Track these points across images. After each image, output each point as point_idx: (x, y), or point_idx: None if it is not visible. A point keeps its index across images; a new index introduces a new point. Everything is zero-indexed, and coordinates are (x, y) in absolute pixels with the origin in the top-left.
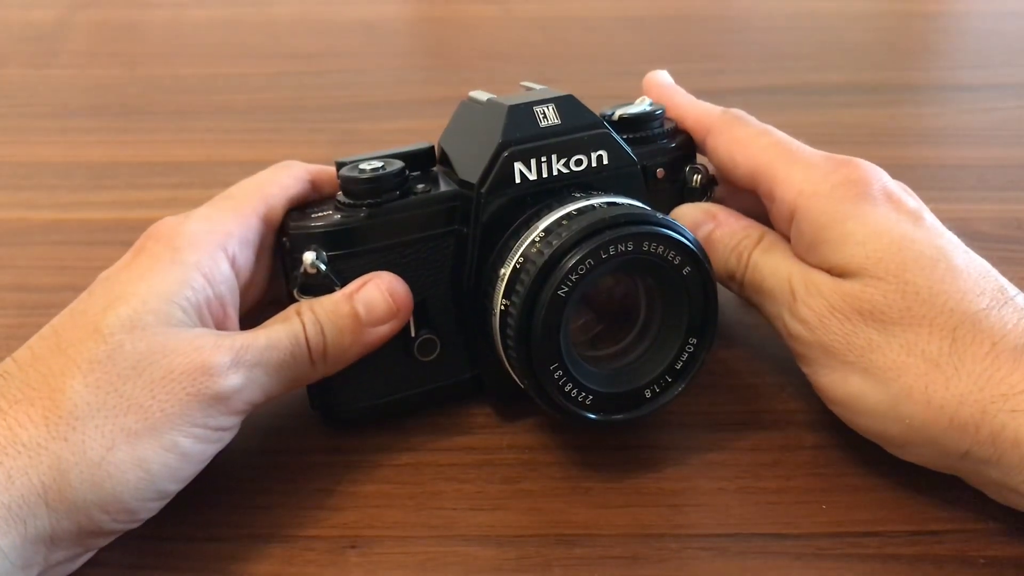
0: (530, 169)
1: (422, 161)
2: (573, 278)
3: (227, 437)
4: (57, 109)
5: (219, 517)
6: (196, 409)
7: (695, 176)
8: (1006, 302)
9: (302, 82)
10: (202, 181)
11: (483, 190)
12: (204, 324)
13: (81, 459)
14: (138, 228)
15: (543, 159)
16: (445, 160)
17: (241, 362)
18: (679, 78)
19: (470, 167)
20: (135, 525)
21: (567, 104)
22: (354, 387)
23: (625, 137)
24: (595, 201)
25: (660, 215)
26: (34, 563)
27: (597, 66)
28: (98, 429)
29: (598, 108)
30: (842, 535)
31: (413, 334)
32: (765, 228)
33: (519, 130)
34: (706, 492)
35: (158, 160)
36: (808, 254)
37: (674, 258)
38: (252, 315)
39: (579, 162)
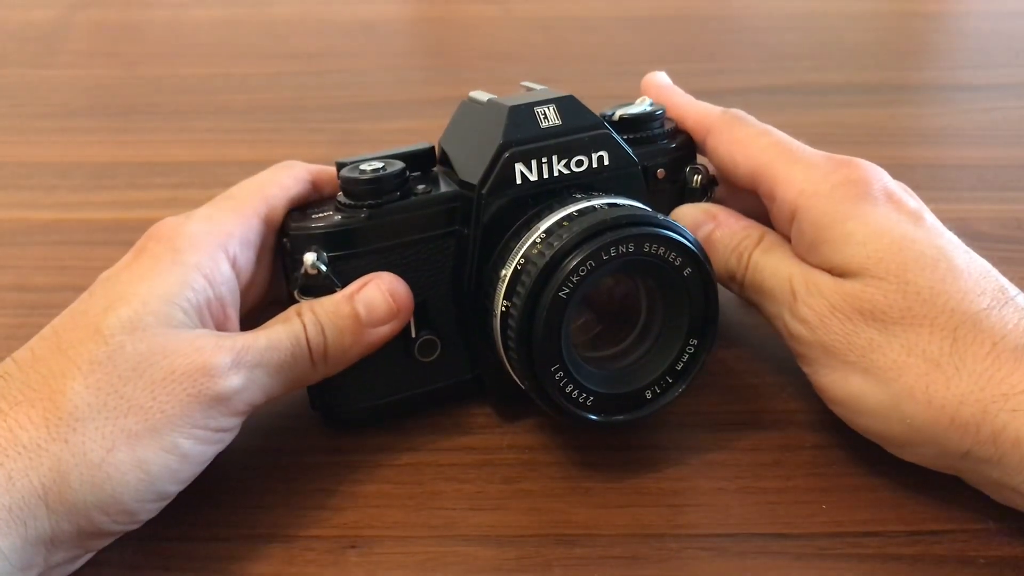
0: (531, 170)
1: (422, 161)
2: (574, 279)
3: (227, 438)
4: (57, 109)
5: (219, 517)
6: (197, 410)
7: (695, 176)
8: (1007, 302)
9: (302, 82)
10: (202, 181)
11: (484, 191)
12: (205, 325)
13: (81, 461)
14: (138, 228)
15: (544, 160)
16: (445, 160)
17: (242, 363)
18: (679, 78)
19: (471, 168)
20: (135, 527)
21: (568, 105)
22: (354, 388)
23: (626, 137)
24: (596, 202)
25: (661, 216)
26: (34, 564)
27: (597, 66)
28: (98, 431)
29: (598, 108)
30: (842, 535)
31: (413, 335)
32: (765, 228)
33: (520, 131)
34: (706, 492)
35: (158, 160)
36: (809, 254)
37: (675, 259)
38: (253, 316)
39: (580, 163)
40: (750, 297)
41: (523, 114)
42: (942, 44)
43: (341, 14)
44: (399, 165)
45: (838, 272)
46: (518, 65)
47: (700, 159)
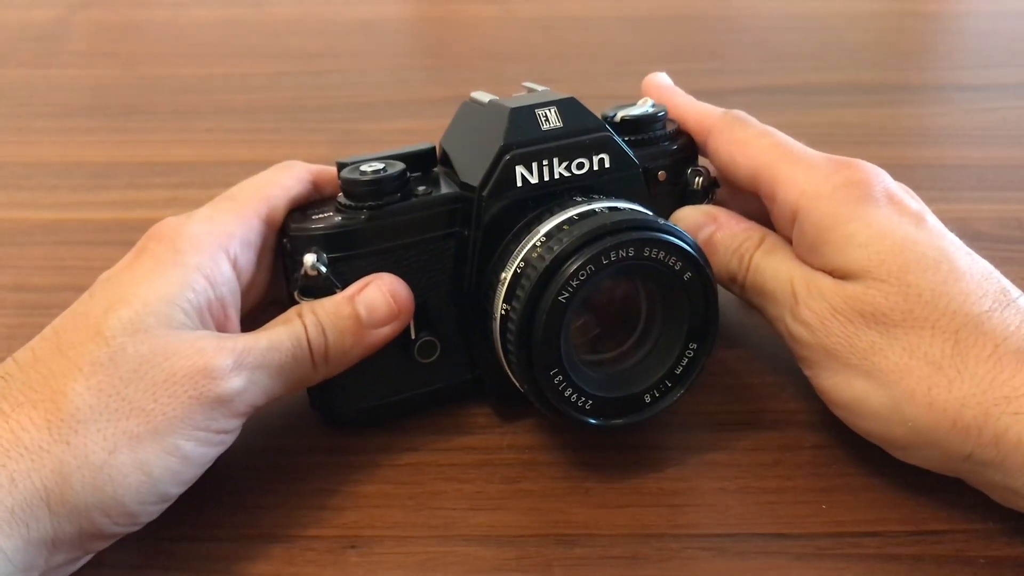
0: (531, 172)
1: (423, 162)
2: (574, 284)
3: (228, 440)
4: (57, 109)
5: (219, 517)
6: (198, 412)
7: (696, 178)
8: (1008, 304)
9: (302, 82)
10: (202, 181)
11: (484, 193)
12: (205, 326)
13: (83, 463)
14: (138, 228)
15: (545, 162)
16: (446, 161)
17: (243, 364)
18: (679, 78)
19: (471, 169)
20: (136, 528)
21: (569, 107)
22: (354, 388)
23: (627, 139)
24: (596, 206)
25: (661, 220)
26: (35, 566)
27: (597, 66)
28: (100, 432)
29: (599, 108)
30: (842, 535)
31: (413, 336)
32: (766, 230)
33: (521, 133)
34: (706, 492)
35: (158, 160)
36: (810, 256)
37: (675, 264)
38: (253, 315)
39: (581, 165)
40: (751, 299)
41: (524, 116)
42: (942, 44)
43: (341, 14)
44: (400, 166)
45: (840, 274)
46: (518, 65)
47: (701, 160)
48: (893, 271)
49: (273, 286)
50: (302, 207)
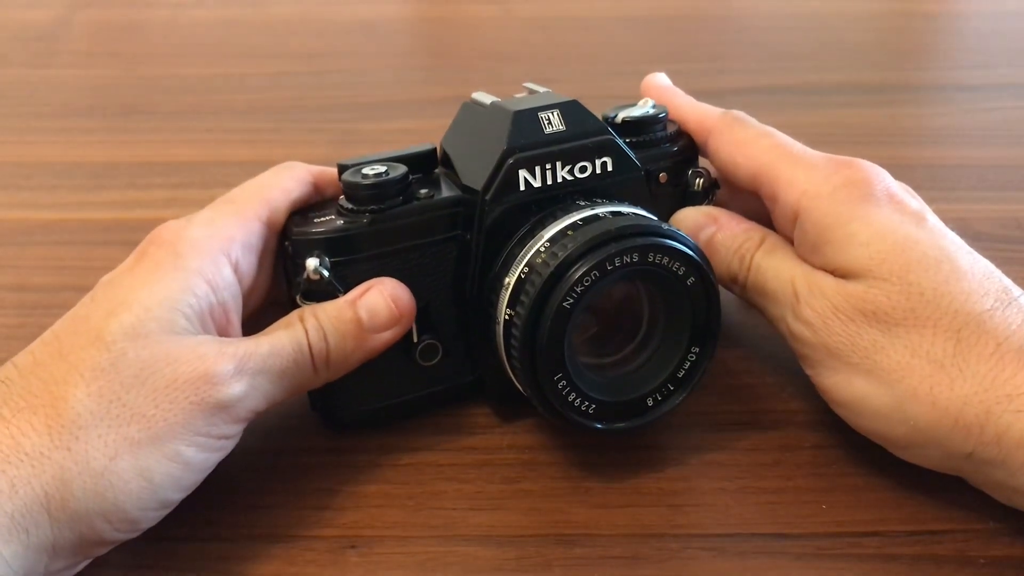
0: (534, 176)
1: (424, 163)
2: (578, 290)
3: (229, 445)
4: (57, 109)
5: (219, 517)
6: (199, 418)
7: (697, 179)
8: (1010, 303)
9: (302, 82)
10: (202, 181)
11: (487, 197)
12: (207, 331)
13: (84, 469)
14: (138, 228)
15: (548, 166)
16: (447, 162)
17: (244, 370)
18: (679, 78)
19: (474, 173)
20: (136, 535)
21: (572, 110)
22: (355, 391)
23: (628, 140)
24: (600, 210)
25: (665, 226)
26: (35, 571)
27: (597, 66)
28: (101, 439)
29: (599, 108)
30: (842, 535)
31: (415, 339)
32: (767, 230)
33: (524, 137)
34: (706, 492)
35: (158, 160)
36: (811, 255)
37: (678, 269)
38: (254, 318)
39: (583, 169)
40: (752, 299)
41: (527, 119)
42: (942, 44)
43: (341, 14)
44: (402, 169)
45: (841, 273)
46: (519, 65)
47: (701, 162)
48: (895, 270)
49: (274, 288)
50: (303, 209)
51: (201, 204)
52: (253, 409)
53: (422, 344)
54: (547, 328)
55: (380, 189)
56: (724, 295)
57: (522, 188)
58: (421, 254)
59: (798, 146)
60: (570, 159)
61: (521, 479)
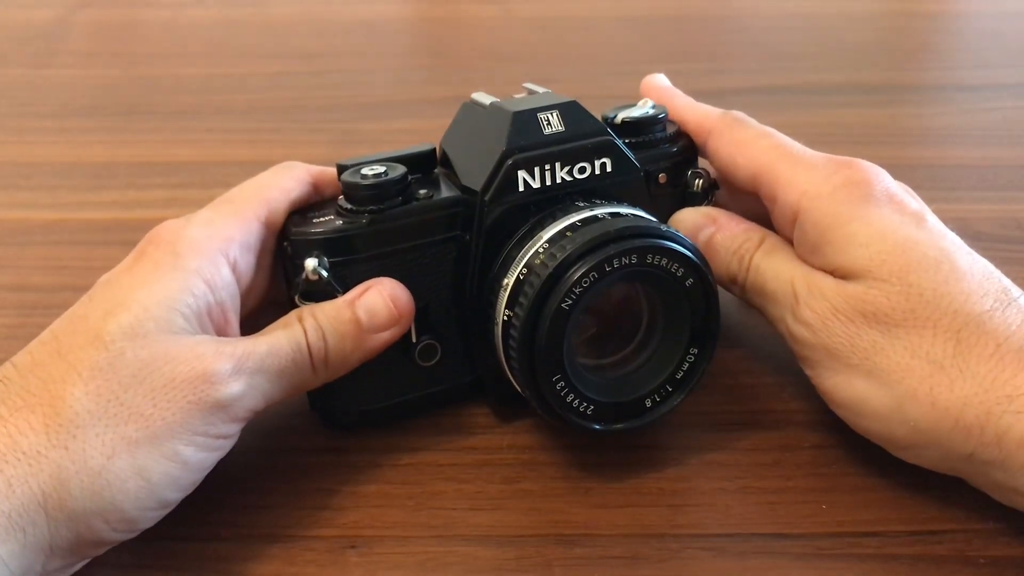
0: (533, 177)
1: (423, 163)
2: (577, 291)
3: (228, 445)
4: (57, 109)
5: (219, 517)
6: (197, 417)
7: (696, 180)
8: (1010, 303)
9: (302, 82)
10: (202, 181)
11: (486, 198)
12: (205, 331)
13: (81, 468)
14: (138, 228)
15: (547, 167)
16: (446, 162)
17: (242, 369)
18: (679, 78)
19: (473, 173)
20: (133, 535)
21: (571, 110)
22: (354, 391)
23: (627, 141)
24: (598, 211)
25: (664, 227)
26: (32, 571)
27: (597, 66)
28: (99, 438)
29: (599, 108)
30: (842, 535)
31: (414, 339)
32: (766, 231)
33: (523, 137)
34: (706, 492)
35: (158, 160)
36: (811, 256)
37: (677, 270)
38: (252, 317)
39: (582, 170)
40: (751, 300)
41: (526, 120)
42: (942, 44)
43: (341, 14)
44: (401, 169)
45: (841, 274)
46: (519, 65)
47: (701, 162)
48: (895, 271)
49: (272, 288)
50: (302, 209)
51: (201, 204)
52: (251, 409)
53: (421, 344)
54: (546, 329)
55: (379, 190)
56: (723, 296)
57: (521, 189)
58: (420, 254)
59: (798, 146)
60: (569, 160)
61: (521, 479)
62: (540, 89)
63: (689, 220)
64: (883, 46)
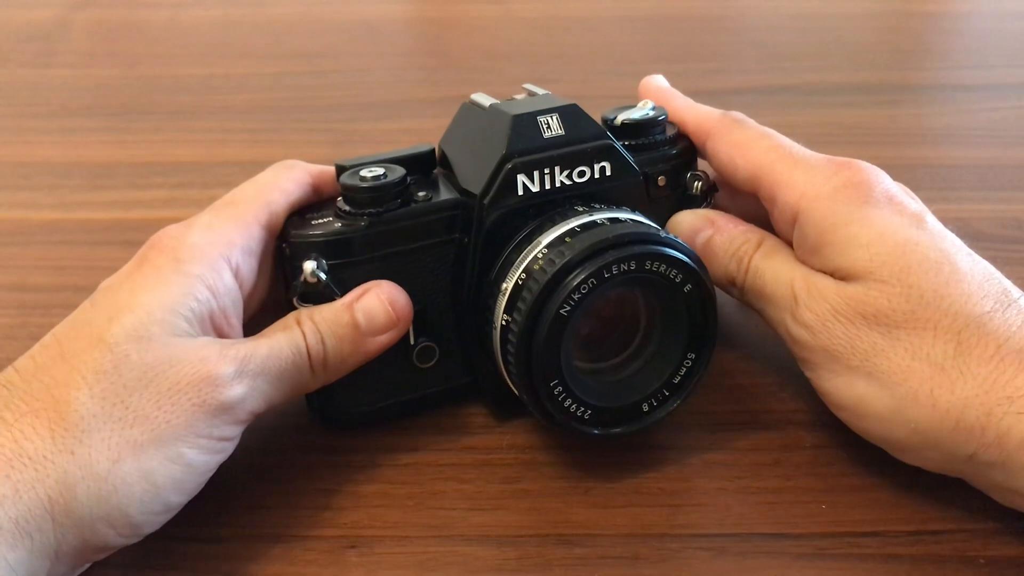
0: (533, 181)
1: (422, 164)
2: (576, 297)
3: (230, 448)
4: (57, 109)
5: (219, 517)
6: (201, 420)
7: (696, 183)
8: (1010, 304)
9: (302, 82)
10: (202, 181)
11: (485, 201)
12: (207, 335)
13: (87, 473)
14: (138, 228)
15: (546, 171)
16: (445, 163)
17: (245, 372)
18: (678, 78)
19: (472, 176)
20: (137, 540)
21: (571, 114)
22: (351, 392)
23: (627, 143)
24: (598, 217)
25: (663, 233)
26: None
27: (597, 66)
28: (104, 442)
29: (598, 108)
30: (842, 535)
31: (412, 342)
32: (765, 233)
33: (523, 141)
34: (706, 492)
35: (158, 160)
36: (811, 257)
37: (676, 276)
38: (254, 320)
39: (582, 173)
40: (750, 302)
41: (526, 123)
42: (942, 44)
43: (341, 14)
44: (400, 171)
45: (841, 275)
46: (518, 65)
47: (700, 164)
48: (895, 272)
49: (273, 290)
50: (301, 211)
51: (201, 204)
52: (253, 411)
53: (419, 346)
54: (544, 335)
55: (378, 192)
56: (722, 296)
57: (520, 193)
58: (418, 256)
59: (797, 147)
60: (569, 164)
61: (521, 479)
62: (540, 91)
63: (687, 222)
64: (883, 46)
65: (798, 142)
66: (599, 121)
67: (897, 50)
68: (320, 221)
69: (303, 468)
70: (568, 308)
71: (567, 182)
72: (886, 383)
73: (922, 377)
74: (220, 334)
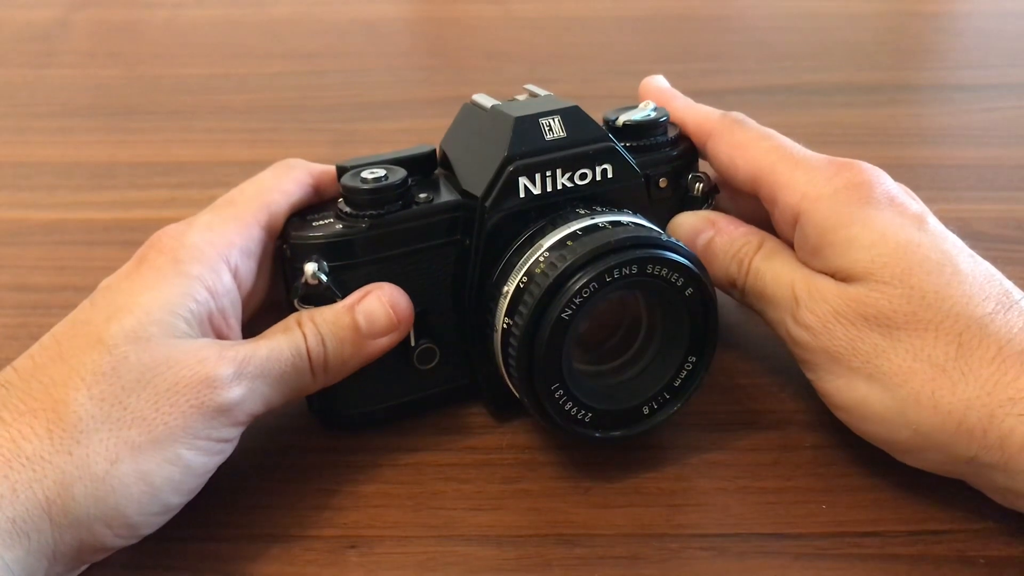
0: (534, 183)
1: (423, 165)
2: (577, 301)
3: (228, 449)
4: (57, 109)
5: (219, 517)
6: (199, 421)
7: (697, 184)
8: (1011, 306)
9: (302, 82)
10: (202, 181)
11: (487, 203)
12: (206, 336)
13: (85, 473)
14: (138, 228)
15: (548, 174)
16: (446, 164)
17: (243, 374)
18: (678, 78)
19: (473, 178)
20: (135, 541)
21: (572, 116)
22: (352, 393)
23: (628, 145)
24: (599, 220)
25: (664, 236)
26: None
27: (597, 66)
28: (102, 443)
29: (598, 108)
30: (842, 535)
31: (413, 343)
32: (765, 234)
33: (524, 143)
34: (706, 492)
35: (158, 160)
36: (812, 258)
37: (677, 280)
38: (253, 321)
39: (583, 176)
40: (751, 303)
41: (528, 126)
42: (942, 44)
43: (341, 14)
44: (401, 173)
45: (842, 276)
46: (518, 65)
47: (701, 166)
48: (896, 273)
49: (272, 291)
50: (302, 212)
51: (201, 204)
52: (251, 413)
53: (420, 348)
54: (545, 339)
55: (379, 194)
56: (722, 296)
57: (522, 195)
58: (419, 258)
59: (798, 148)
60: (570, 166)
61: (521, 479)
62: (542, 92)
63: (688, 224)
64: (883, 46)
65: (798, 142)
66: (600, 122)
67: (897, 50)
68: (321, 223)
69: (303, 468)
70: (569, 312)
71: (569, 184)
72: (887, 384)
73: (923, 379)
74: (219, 335)
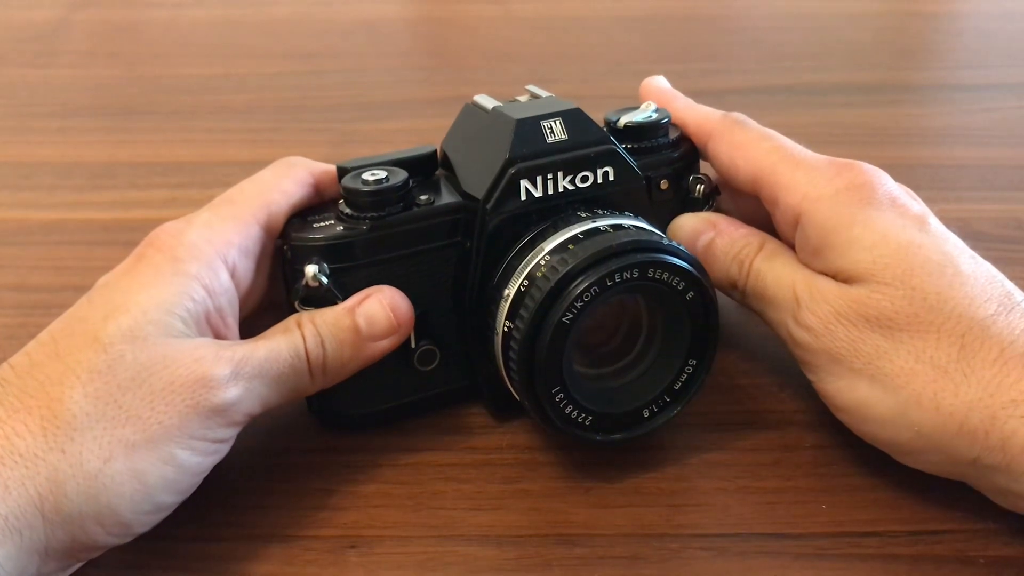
0: (536, 186)
1: (424, 166)
2: (578, 305)
3: (224, 449)
4: (57, 109)
5: (219, 517)
6: (195, 421)
7: (698, 186)
8: (1013, 307)
9: (302, 82)
10: (202, 181)
11: (488, 206)
12: (203, 335)
13: (78, 471)
14: (138, 228)
15: (549, 176)
16: (447, 164)
17: (240, 374)
18: (679, 78)
19: (474, 180)
20: (128, 539)
21: (574, 118)
22: (352, 394)
23: (630, 146)
24: (600, 223)
25: (665, 240)
26: (27, 574)
27: (597, 66)
28: (96, 441)
29: (599, 108)
30: (842, 535)
31: (413, 345)
32: (766, 235)
33: (526, 145)
34: (706, 492)
35: (158, 160)
36: (813, 259)
37: (678, 284)
38: (250, 320)
39: (585, 179)
40: (752, 305)
41: (529, 128)
42: (942, 44)
43: (341, 14)
44: (402, 175)
45: (843, 277)
46: (519, 65)
47: (702, 167)
48: (898, 275)
49: (271, 291)
50: (302, 212)
51: (201, 204)
52: (248, 413)
53: (420, 349)
54: (546, 342)
55: (380, 196)
56: (722, 296)
57: (523, 198)
58: (420, 260)
59: (799, 149)
60: (572, 169)
61: (521, 479)
62: (543, 93)
63: (688, 226)
64: (883, 46)
65: (799, 142)
66: (601, 123)
67: (897, 50)
68: (322, 224)
69: (303, 468)
70: (570, 316)
71: (570, 187)
72: (889, 386)
73: (925, 380)
74: (216, 334)
